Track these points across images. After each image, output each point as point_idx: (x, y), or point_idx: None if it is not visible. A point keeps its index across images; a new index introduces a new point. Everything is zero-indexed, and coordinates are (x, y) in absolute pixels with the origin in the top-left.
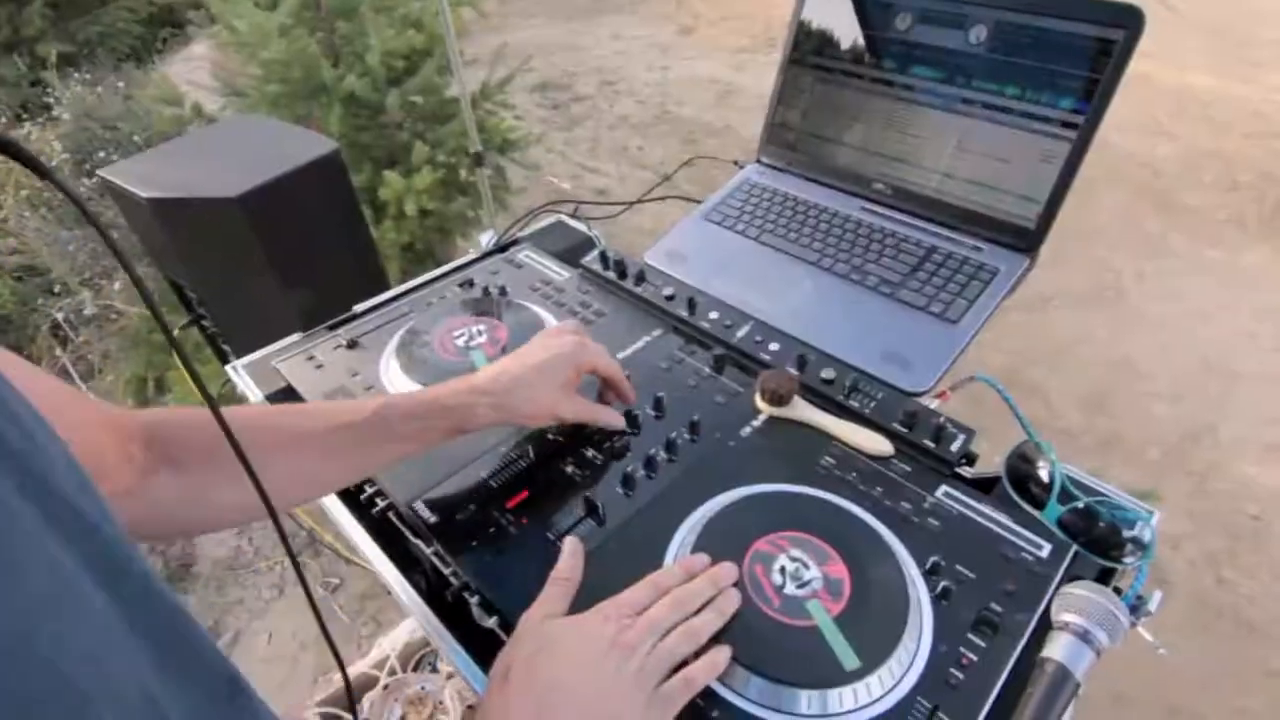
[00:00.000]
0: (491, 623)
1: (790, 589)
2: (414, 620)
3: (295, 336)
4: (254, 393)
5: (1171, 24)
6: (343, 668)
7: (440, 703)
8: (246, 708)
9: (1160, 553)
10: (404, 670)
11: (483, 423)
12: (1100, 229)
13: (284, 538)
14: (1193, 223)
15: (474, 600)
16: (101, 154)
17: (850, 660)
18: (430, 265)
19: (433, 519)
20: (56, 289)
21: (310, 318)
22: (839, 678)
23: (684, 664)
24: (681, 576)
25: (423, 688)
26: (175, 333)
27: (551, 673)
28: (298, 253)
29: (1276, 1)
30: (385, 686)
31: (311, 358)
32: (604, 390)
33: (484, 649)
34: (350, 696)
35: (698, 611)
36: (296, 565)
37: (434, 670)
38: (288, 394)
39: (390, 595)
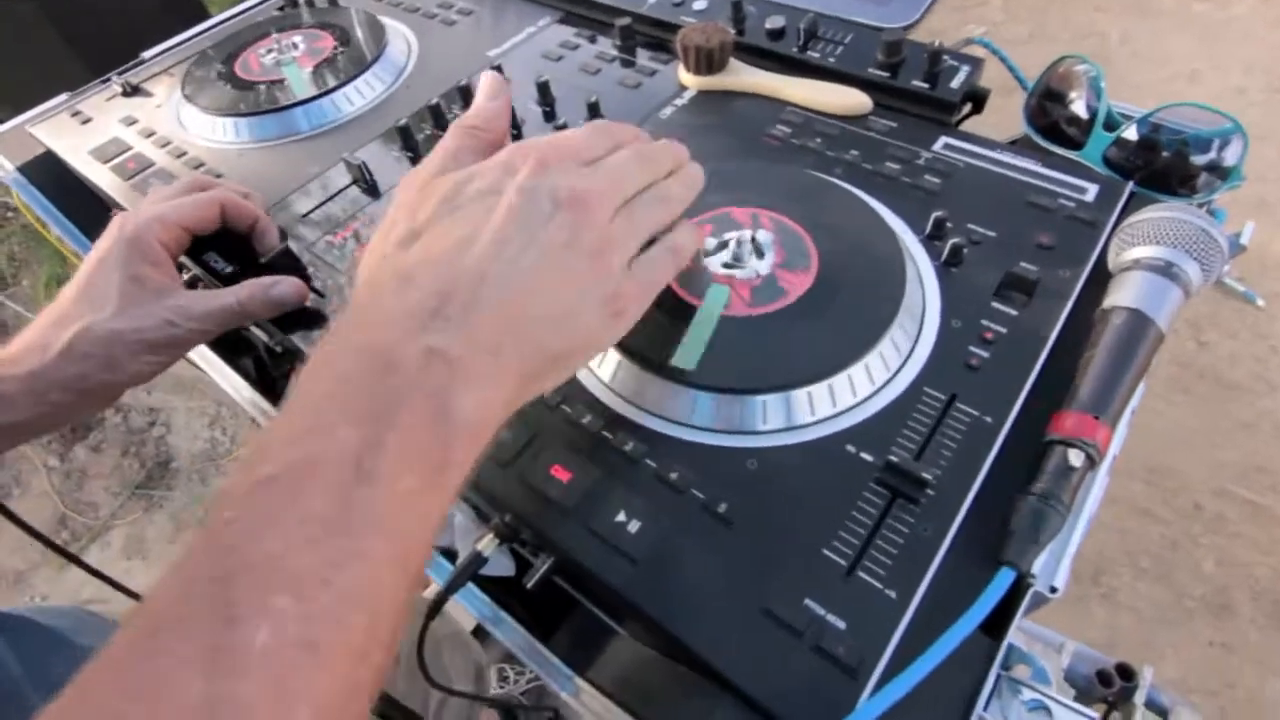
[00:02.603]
0: None
1: (760, 267)
2: None
3: (62, 97)
4: (5, 166)
5: None
6: None
7: None
8: None
9: None
10: None
11: (19, 412)
12: None
13: None
14: None
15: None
16: None
17: (687, 360)
18: None
19: (229, 273)
20: None
21: None
22: (666, 369)
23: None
24: (635, 133)
25: None
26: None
27: (460, 229)
28: (90, 16)
29: None
30: None
31: (77, 113)
32: (254, 242)
33: None
34: None
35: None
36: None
37: None
38: (49, 161)
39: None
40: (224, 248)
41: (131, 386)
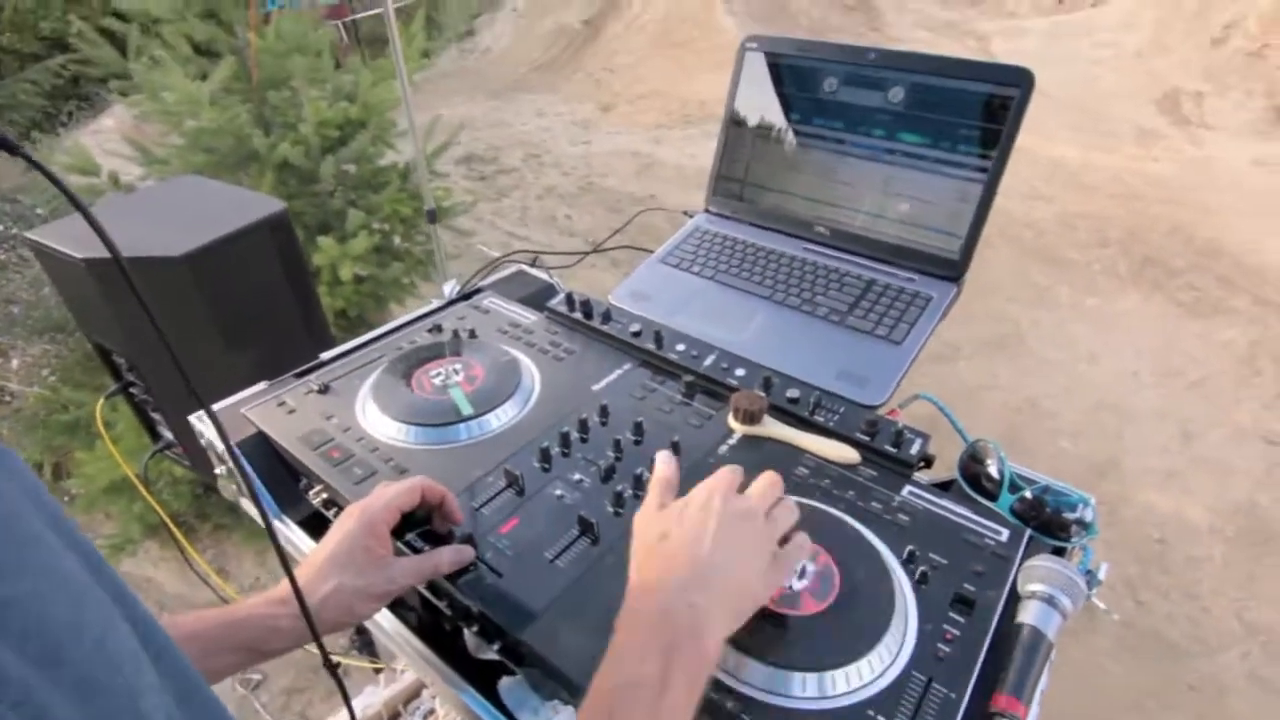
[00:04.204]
0: (492, 651)
1: (805, 583)
2: (364, 698)
3: (261, 385)
4: (220, 442)
5: (1038, 102)
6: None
7: None
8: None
9: None
10: None
11: (288, 640)
12: (997, 283)
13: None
14: (1074, 275)
15: (472, 629)
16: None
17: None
18: (364, 332)
19: (425, 549)
20: None
21: (252, 380)
22: (891, 603)
23: None
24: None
25: None
26: (101, 402)
27: (692, 533)
28: (243, 314)
29: (1123, 82)
30: None
31: (282, 404)
32: (435, 519)
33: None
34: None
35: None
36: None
37: None
38: (259, 440)
39: (334, 673)
40: (416, 528)
41: (357, 623)
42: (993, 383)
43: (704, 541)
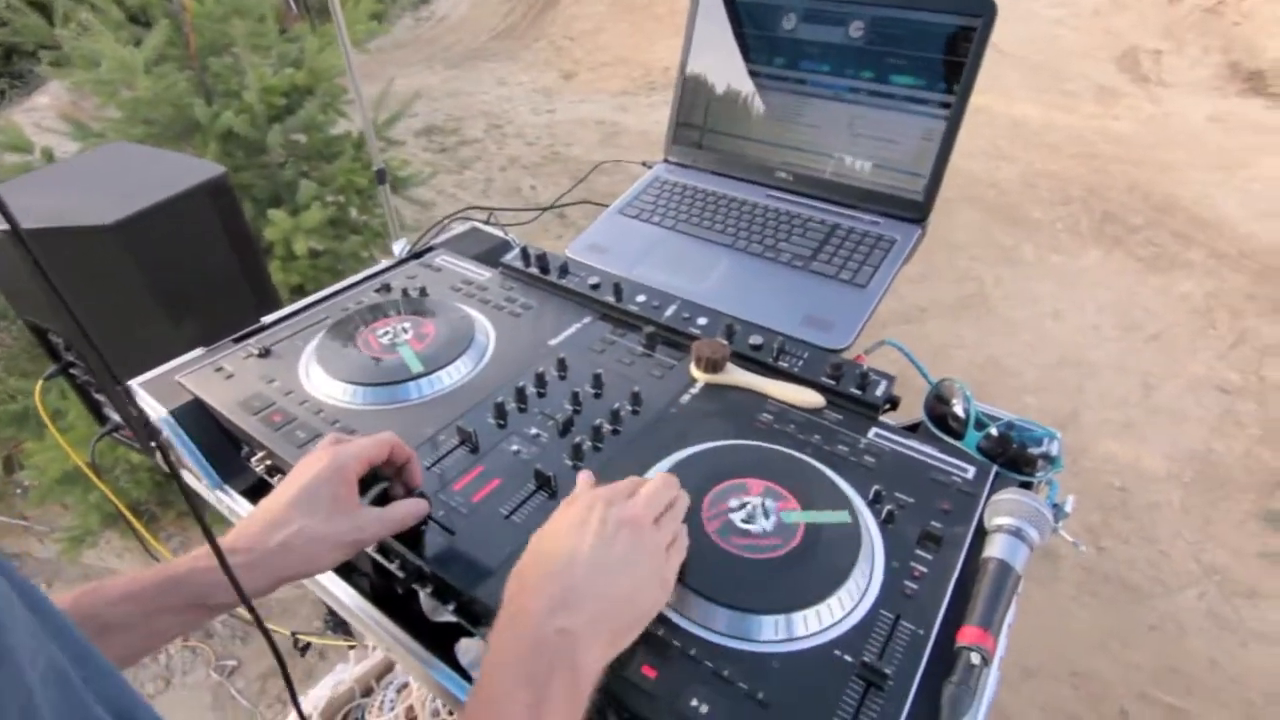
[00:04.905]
0: (448, 612)
1: (768, 524)
2: (334, 675)
3: (198, 351)
4: (157, 409)
5: (999, 62)
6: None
7: None
8: None
9: None
10: None
11: (234, 592)
12: (962, 243)
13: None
14: (1037, 234)
15: (426, 591)
16: None
17: (844, 516)
18: None
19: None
20: None
21: None
22: (857, 542)
23: None
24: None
25: None
26: (40, 383)
27: (566, 548)
28: (185, 283)
29: (1082, 41)
30: None
31: (220, 369)
32: (393, 483)
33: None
34: None
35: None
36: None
37: None
38: (195, 408)
39: (302, 653)
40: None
41: (316, 575)
42: (959, 342)
43: (579, 559)
